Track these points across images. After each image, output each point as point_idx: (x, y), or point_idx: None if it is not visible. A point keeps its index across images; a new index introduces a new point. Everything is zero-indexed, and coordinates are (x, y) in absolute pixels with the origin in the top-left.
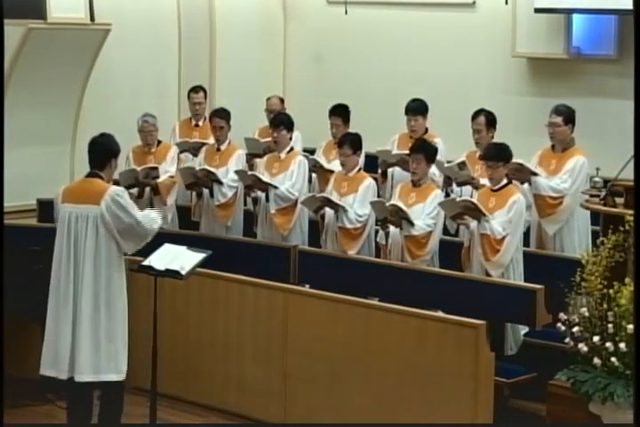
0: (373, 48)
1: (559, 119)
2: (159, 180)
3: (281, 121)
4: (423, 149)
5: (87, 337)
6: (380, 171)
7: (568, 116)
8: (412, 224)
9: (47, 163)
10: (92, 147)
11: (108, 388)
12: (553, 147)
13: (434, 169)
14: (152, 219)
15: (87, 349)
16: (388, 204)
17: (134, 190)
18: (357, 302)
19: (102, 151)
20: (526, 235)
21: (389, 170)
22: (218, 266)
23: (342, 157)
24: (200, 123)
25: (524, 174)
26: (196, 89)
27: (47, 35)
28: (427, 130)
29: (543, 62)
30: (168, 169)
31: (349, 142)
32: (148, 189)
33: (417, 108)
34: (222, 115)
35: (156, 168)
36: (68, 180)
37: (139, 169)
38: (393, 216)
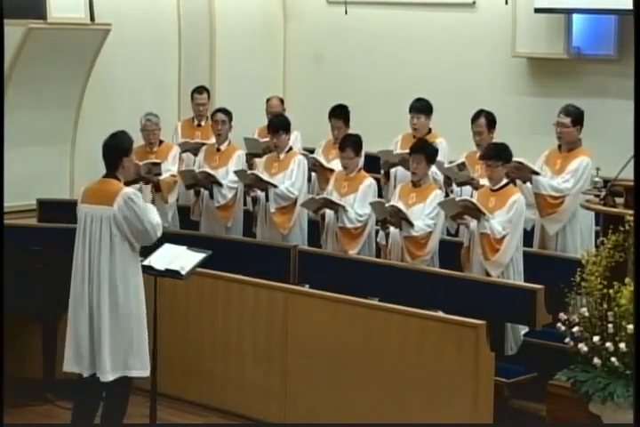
0: (373, 48)
1: (567, 120)
2: (161, 177)
3: (279, 125)
4: (423, 150)
5: (106, 336)
6: (382, 171)
7: (577, 117)
8: (411, 225)
9: (47, 163)
10: (103, 150)
11: (114, 388)
12: (560, 147)
13: (435, 168)
14: (157, 225)
15: (107, 348)
16: (387, 205)
17: (136, 185)
18: (357, 302)
19: (112, 153)
20: (529, 234)
21: (392, 170)
22: (218, 266)
23: (345, 160)
24: (202, 123)
25: (524, 173)
26: (199, 90)
27: (47, 35)
28: (430, 130)
29: (543, 62)
30: (170, 168)
31: (352, 145)
32: (149, 186)
33: (420, 108)
34: (225, 112)
35: (158, 164)
36: (68, 180)
37: (141, 164)
38: (392, 217)
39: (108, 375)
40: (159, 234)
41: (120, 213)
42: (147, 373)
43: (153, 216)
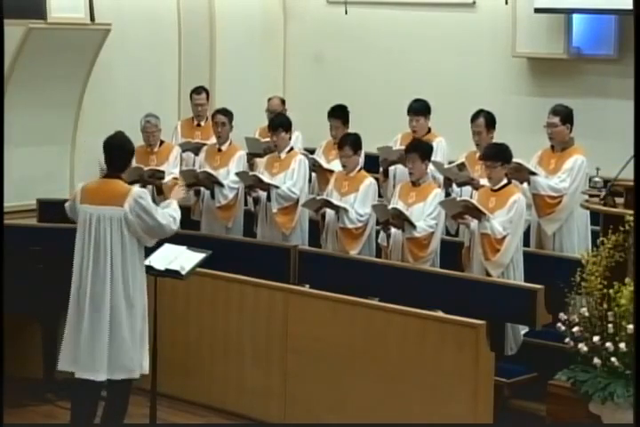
0: (373, 48)
1: (556, 119)
2: (164, 181)
3: (279, 124)
4: (415, 148)
5: (108, 337)
6: (381, 169)
7: (565, 115)
8: (413, 226)
9: (47, 163)
10: (109, 149)
11: (115, 388)
12: (552, 147)
13: (433, 167)
14: (173, 219)
15: (108, 348)
16: (389, 207)
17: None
18: (357, 302)
19: (121, 153)
20: (526, 235)
21: (391, 169)
22: (218, 266)
23: (344, 159)
24: (202, 123)
25: (522, 174)
26: (198, 90)
27: (47, 35)
28: (429, 130)
29: (543, 62)
30: (171, 171)
31: (350, 143)
32: (151, 188)
33: (418, 109)
34: (225, 112)
35: (162, 171)
36: (68, 180)
37: (145, 168)
38: (394, 219)
39: (103, 375)
40: (175, 228)
41: (132, 213)
42: (143, 372)
43: (168, 211)
